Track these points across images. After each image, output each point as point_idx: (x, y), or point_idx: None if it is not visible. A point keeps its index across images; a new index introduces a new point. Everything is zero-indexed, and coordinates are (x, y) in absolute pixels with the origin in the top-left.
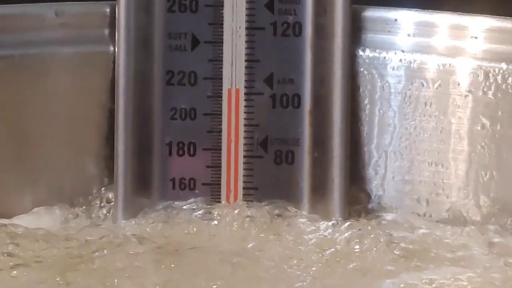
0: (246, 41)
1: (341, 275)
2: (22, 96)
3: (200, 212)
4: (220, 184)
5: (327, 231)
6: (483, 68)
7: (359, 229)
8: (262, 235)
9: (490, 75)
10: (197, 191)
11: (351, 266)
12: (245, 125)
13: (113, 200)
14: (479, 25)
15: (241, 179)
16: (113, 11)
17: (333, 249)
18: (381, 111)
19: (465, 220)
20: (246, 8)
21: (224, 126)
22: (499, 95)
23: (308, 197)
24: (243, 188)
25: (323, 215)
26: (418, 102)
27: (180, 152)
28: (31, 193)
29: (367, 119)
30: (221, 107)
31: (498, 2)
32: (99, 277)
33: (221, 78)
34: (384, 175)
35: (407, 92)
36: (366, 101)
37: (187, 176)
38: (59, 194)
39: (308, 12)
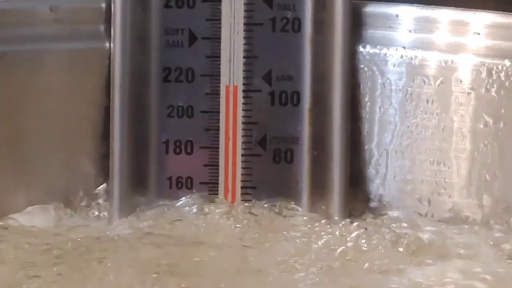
0: (244, 37)
1: (347, 273)
2: (15, 94)
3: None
4: (218, 183)
5: (328, 231)
6: (486, 65)
7: (359, 228)
8: (258, 234)
9: (493, 72)
10: (194, 190)
11: (355, 263)
12: (243, 123)
13: (108, 199)
14: (482, 21)
15: (239, 178)
16: (108, 7)
17: (332, 248)
18: (381, 109)
19: (468, 220)
20: (244, 4)
21: (222, 124)
22: (502, 92)
23: (307, 197)
24: (241, 187)
25: (322, 215)
26: (420, 100)
27: (177, 150)
28: (25, 192)
29: (367, 117)
30: (219, 105)
31: None
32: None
33: (219, 75)
34: (385, 174)
35: (409, 89)
36: (367, 99)
37: (184, 175)
38: (53, 193)
39: (308, 7)
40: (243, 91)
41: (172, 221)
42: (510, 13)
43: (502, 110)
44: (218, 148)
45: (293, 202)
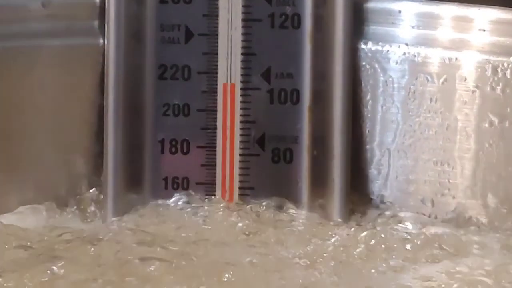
0: (242, 34)
1: (352, 270)
2: (7, 91)
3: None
4: (215, 184)
5: (328, 233)
6: (491, 62)
7: (361, 230)
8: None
9: (499, 69)
10: (190, 191)
11: (355, 264)
12: (241, 121)
13: (102, 200)
14: (487, 17)
15: (237, 178)
16: (102, 2)
17: (335, 247)
18: (384, 107)
19: (472, 221)
20: None
21: (219, 123)
22: (507, 91)
23: (307, 198)
24: (239, 188)
25: (323, 216)
26: (423, 98)
27: (173, 149)
28: (17, 191)
29: (369, 115)
30: (216, 103)
31: None
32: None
33: (216, 73)
34: (387, 174)
35: (411, 87)
36: (368, 97)
37: (180, 175)
38: (46, 192)
39: (308, 3)
40: (241, 89)
41: (165, 222)
42: None
43: (508, 109)
44: (215, 147)
45: (292, 203)
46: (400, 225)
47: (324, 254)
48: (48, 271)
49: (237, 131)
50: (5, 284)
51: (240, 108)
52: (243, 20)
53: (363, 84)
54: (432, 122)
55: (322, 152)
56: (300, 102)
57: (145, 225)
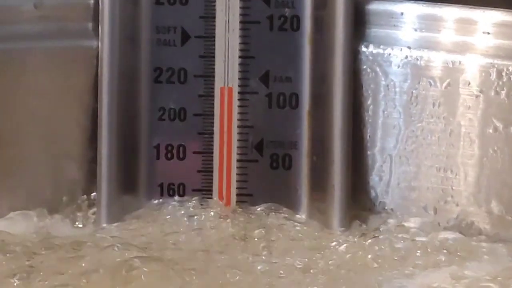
0: (240, 36)
1: (350, 280)
2: None
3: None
4: (212, 190)
5: (329, 240)
6: (496, 66)
7: (365, 238)
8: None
9: (503, 73)
10: (186, 197)
11: (357, 270)
12: (238, 126)
13: (95, 206)
14: (491, 19)
15: (234, 184)
16: (97, 3)
17: (333, 257)
18: (385, 112)
19: (476, 229)
20: (240, 0)
21: (216, 128)
22: None
23: (306, 204)
24: (237, 195)
25: (322, 223)
26: (426, 103)
27: (169, 155)
28: (8, 197)
29: (370, 120)
30: (213, 107)
31: None
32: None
33: (213, 76)
34: (388, 181)
35: (414, 91)
36: (369, 101)
37: (176, 181)
38: (37, 198)
39: (307, 4)
40: (239, 93)
41: (159, 228)
42: None
43: None
44: (212, 153)
45: (291, 210)
46: (401, 234)
47: (328, 262)
48: (25, 274)
49: (235, 136)
50: None
51: (238, 113)
52: (241, 22)
53: (364, 88)
54: (435, 127)
55: (322, 158)
56: (299, 107)
57: (138, 232)
